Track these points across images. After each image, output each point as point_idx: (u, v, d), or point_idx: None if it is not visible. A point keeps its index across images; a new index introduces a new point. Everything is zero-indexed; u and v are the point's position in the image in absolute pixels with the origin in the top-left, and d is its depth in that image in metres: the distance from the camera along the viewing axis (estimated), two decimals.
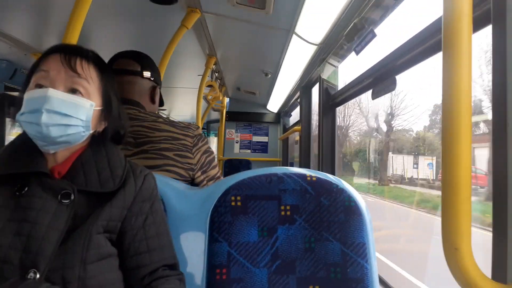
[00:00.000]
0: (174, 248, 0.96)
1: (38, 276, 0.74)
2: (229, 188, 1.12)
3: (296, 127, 3.37)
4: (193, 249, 1.08)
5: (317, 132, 2.39)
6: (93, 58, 0.90)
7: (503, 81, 0.68)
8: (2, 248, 0.74)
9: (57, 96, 0.81)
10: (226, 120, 4.88)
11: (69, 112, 0.82)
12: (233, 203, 1.10)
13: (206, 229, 1.09)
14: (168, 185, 1.14)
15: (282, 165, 4.80)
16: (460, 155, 0.61)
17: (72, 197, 0.81)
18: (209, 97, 3.86)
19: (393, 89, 1.32)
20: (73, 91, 0.84)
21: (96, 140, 0.91)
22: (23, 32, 2.39)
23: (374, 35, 1.37)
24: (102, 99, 0.89)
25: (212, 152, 1.45)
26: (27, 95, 0.82)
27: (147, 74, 1.42)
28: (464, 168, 0.61)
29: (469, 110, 0.61)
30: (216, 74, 3.37)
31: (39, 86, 0.82)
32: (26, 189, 0.80)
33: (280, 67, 2.87)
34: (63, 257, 0.77)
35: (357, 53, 1.55)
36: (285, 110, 4.74)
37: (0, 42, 2.44)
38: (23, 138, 0.86)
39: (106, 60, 0.92)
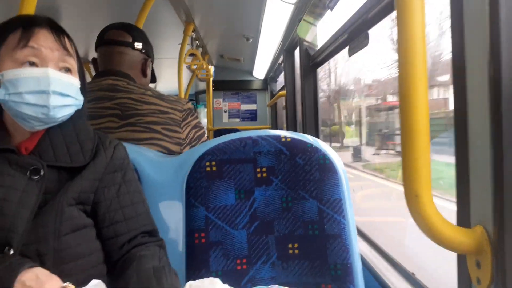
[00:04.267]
0: (152, 216, 0.96)
1: (12, 252, 0.74)
2: (203, 154, 1.11)
3: (281, 92, 3.34)
4: (171, 216, 1.09)
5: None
6: (67, 33, 0.88)
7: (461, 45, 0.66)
8: None
9: (56, 76, 0.79)
10: (213, 89, 4.82)
11: (68, 92, 0.81)
12: (208, 169, 1.10)
13: (182, 195, 1.09)
14: (141, 155, 1.13)
15: None
16: (417, 103, 0.60)
17: (42, 173, 0.80)
18: (193, 67, 3.79)
19: (366, 44, 1.30)
20: (66, 69, 0.83)
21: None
22: None
23: None
24: (79, 75, 0.88)
25: (202, 128, 1.44)
26: (20, 73, 0.77)
27: (138, 45, 1.39)
28: (421, 116, 0.60)
29: (423, 60, 0.59)
30: (197, 41, 3.29)
31: (31, 64, 0.78)
32: None
33: (261, 31, 2.81)
34: (36, 232, 0.77)
35: (331, 8, 1.51)
36: (271, 75, 4.68)
37: None
38: None
39: (72, 32, 0.88)
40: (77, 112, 0.88)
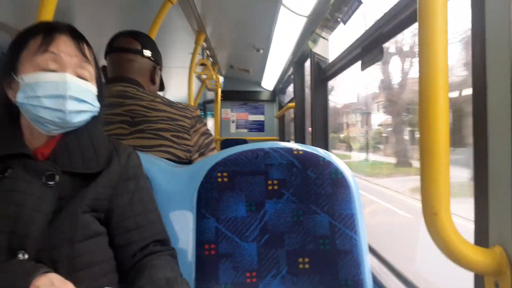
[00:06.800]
0: (164, 224, 0.96)
1: (26, 257, 0.74)
2: (215, 164, 1.11)
3: (290, 104, 3.34)
4: (181, 226, 1.08)
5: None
6: (86, 40, 0.89)
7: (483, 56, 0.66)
8: None
9: (74, 82, 0.81)
10: (221, 99, 4.85)
11: (84, 98, 0.82)
12: (219, 180, 1.09)
13: (193, 206, 1.09)
14: (154, 164, 1.13)
15: None
16: (436, 119, 0.59)
17: (57, 179, 0.80)
18: (203, 76, 3.81)
19: (381, 59, 1.30)
20: (83, 76, 0.84)
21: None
22: (10, 15, 2.33)
23: (360, 3, 1.33)
24: (96, 82, 0.89)
25: (211, 134, 1.44)
26: (39, 78, 0.79)
27: (147, 53, 1.40)
28: (441, 134, 0.60)
29: (445, 74, 0.59)
30: (208, 51, 3.32)
31: (49, 69, 0.80)
32: (9, 171, 0.79)
33: (271, 42, 2.83)
34: (51, 238, 0.77)
35: (345, 22, 1.51)
36: (280, 87, 4.70)
37: None
38: None
39: (88, 38, 0.90)
40: (93, 119, 0.89)
